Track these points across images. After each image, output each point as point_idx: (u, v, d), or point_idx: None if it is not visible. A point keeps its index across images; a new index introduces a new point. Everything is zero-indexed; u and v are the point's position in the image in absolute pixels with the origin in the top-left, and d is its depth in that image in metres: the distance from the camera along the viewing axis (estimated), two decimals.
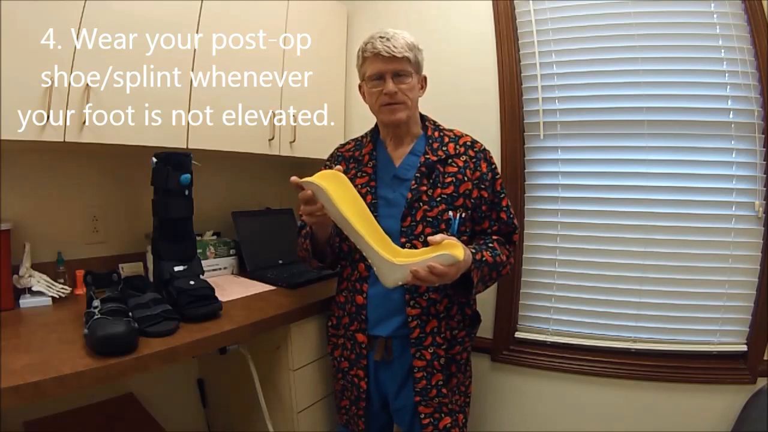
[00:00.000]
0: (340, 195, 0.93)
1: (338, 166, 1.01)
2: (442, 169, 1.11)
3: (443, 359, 1.09)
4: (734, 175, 1.40)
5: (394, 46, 1.05)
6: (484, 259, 1.03)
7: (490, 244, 1.10)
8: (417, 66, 1.12)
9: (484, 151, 1.17)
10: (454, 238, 0.96)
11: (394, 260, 0.92)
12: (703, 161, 1.42)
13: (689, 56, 1.42)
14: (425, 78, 1.17)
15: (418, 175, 1.10)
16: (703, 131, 1.41)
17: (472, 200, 1.11)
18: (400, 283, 0.93)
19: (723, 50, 1.40)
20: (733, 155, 1.40)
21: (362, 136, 1.24)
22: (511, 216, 1.17)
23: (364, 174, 1.15)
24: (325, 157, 1.32)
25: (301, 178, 0.94)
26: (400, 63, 1.07)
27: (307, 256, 1.16)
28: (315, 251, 1.14)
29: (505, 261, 1.12)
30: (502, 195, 1.16)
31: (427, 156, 1.12)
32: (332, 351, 1.21)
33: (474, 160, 1.13)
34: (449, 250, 0.89)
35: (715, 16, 1.40)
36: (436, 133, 1.17)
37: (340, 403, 1.22)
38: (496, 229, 1.15)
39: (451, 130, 1.19)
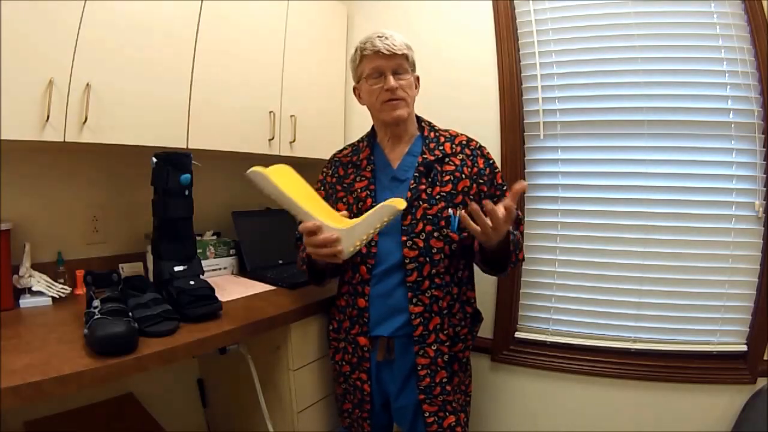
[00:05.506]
0: (283, 180, 0.97)
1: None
2: (439, 168, 1.12)
3: (447, 356, 1.10)
4: (734, 175, 1.40)
5: (393, 44, 1.08)
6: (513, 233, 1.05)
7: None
8: (412, 65, 1.15)
9: (480, 147, 1.18)
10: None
11: (337, 226, 0.94)
12: (703, 161, 1.42)
13: (689, 56, 1.42)
14: (418, 78, 1.19)
15: (416, 174, 1.11)
16: (703, 131, 1.41)
17: (471, 196, 1.12)
18: (352, 249, 0.95)
19: (723, 50, 1.40)
20: (733, 155, 1.40)
21: (359, 141, 1.25)
22: (516, 208, 1.16)
23: (363, 178, 1.16)
24: (325, 156, 1.32)
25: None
26: (399, 59, 1.09)
27: (306, 274, 1.18)
28: (313, 274, 1.16)
29: (520, 242, 1.13)
30: (505, 188, 1.17)
31: (425, 156, 1.13)
32: (333, 355, 1.21)
33: (471, 157, 1.15)
34: (388, 202, 0.92)
35: (715, 16, 1.40)
36: (432, 134, 1.18)
37: (343, 406, 1.21)
38: None
39: (446, 131, 1.21)
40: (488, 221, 0.92)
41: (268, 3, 1.53)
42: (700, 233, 1.42)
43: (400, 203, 0.91)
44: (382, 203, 0.92)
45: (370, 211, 0.93)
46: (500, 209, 0.91)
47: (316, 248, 0.97)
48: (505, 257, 1.06)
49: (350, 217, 1.08)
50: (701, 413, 1.40)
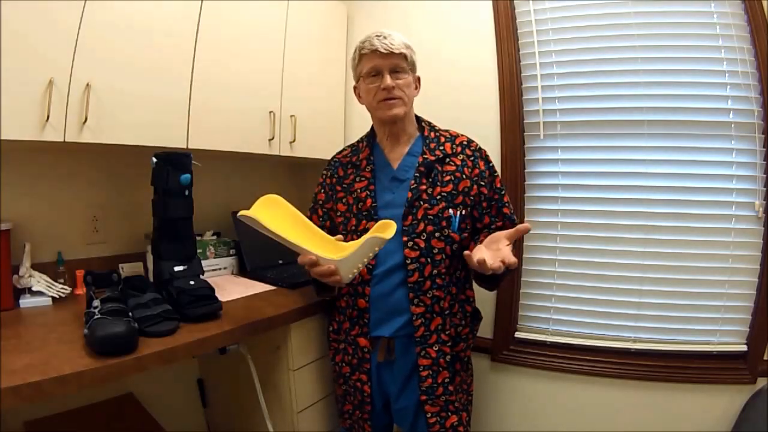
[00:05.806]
0: (274, 216, 0.98)
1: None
2: (440, 168, 1.12)
3: (449, 356, 1.10)
4: (734, 175, 1.40)
5: (391, 43, 1.08)
6: None
7: None
8: (412, 65, 1.14)
9: (480, 149, 1.19)
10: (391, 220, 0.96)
11: (334, 257, 0.95)
12: (703, 161, 1.42)
13: (689, 56, 1.42)
14: (419, 78, 1.19)
15: (417, 174, 1.11)
16: (703, 131, 1.41)
17: (471, 197, 1.12)
18: (350, 276, 0.97)
19: (723, 50, 1.40)
20: (733, 155, 1.40)
21: (358, 141, 1.25)
22: (513, 212, 1.19)
23: (362, 178, 1.16)
24: (325, 156, 1.32)
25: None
26: (397, 59, 1.09)
27: (315, 289, 1.19)
28: (323, 288, 1.15)
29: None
30: (503, 192, 1.18)
31: (425, 156, 1.13)
32: (333, 356, 1.21)
33: (471, 158, 1.15)
34: (375, 233, 0.92)
35: (715, 16, 1.40)
36: (432, 134, 1.18)
37: (343, 407, 1.21)
38: (500, 225, 1.15)
39: (446, 131, 1.21)
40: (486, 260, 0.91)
41: (268, 3, 1.53)
42: (700, 233, 1.42)
43: (389, 232, 0.91)
44: (369, 235, 0.93)
45: (361, 240, 0.93)
46: (497, 264, 0.91)
47: (318, 276, 0.98)
48: (500, 276, 1.03)
49: (348, 230, 1.09)
50: (701, 413, 1.40)
